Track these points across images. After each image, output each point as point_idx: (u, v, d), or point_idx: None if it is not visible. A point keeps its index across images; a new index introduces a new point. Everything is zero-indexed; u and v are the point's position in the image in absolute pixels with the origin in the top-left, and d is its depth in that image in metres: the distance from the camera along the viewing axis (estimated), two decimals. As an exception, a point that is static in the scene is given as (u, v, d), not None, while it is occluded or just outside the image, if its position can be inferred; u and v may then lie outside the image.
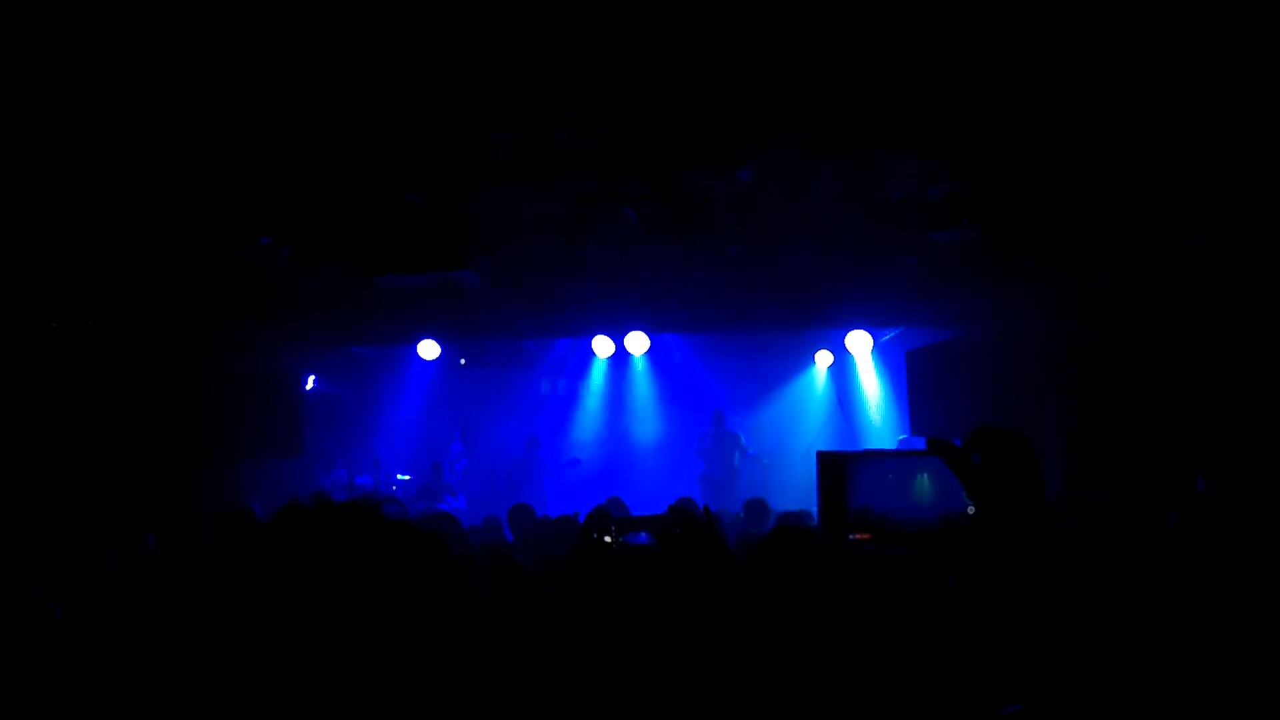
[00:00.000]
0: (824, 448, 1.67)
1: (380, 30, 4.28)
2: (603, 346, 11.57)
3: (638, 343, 10.94)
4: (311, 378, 11.90)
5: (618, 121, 5.37)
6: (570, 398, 13.68)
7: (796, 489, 11.86)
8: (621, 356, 12.52)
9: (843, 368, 12.62)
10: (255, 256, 7.23)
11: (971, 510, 1.33)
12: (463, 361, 13.10)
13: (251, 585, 1.16)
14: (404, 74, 4.71)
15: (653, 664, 2.03)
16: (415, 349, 11.24)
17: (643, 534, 2.45)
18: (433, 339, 11.05)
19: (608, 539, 2.39)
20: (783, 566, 2.28)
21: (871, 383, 12.49)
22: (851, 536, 1.40)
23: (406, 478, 12.55)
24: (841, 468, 1.42)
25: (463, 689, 1.18)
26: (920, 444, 1.39)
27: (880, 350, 12.10)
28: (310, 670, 1.11)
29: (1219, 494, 5.66)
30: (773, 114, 5.27)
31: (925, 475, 1.40)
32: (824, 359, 12.52)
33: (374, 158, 5.77)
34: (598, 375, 13.51)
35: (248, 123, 5.16)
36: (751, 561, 2.38)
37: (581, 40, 4.40)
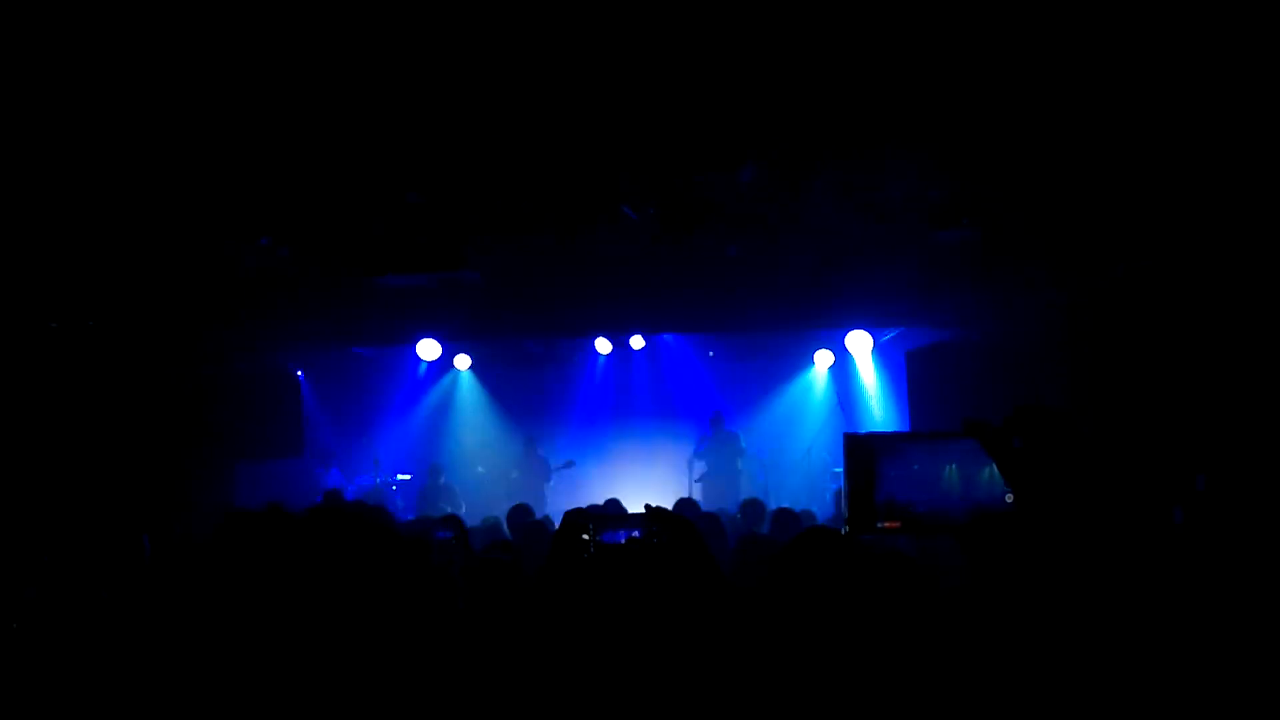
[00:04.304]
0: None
1: (381, 30, 4.27)
2: (602, 347, 11.54)
3: (636, 342, 10.90)
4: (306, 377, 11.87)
5: (617, 123, 5.36)
6: (570, 397, 13.65)
7: (797, 490, 11.86)
8: (621, 356, 12.50)
9: (843, 367, 12.60)
10: (255, 256, 7.22)
11: (1009, 499, 1.18)
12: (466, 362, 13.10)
13: (238, 583, 1.15)
14: (404, 74, 4.70)
15: (633, 663, 2.02)
16: (415, 349, 11.22)
17: (620, 533, 2.42)
18: (433, 339, 11.03)
19: (585, 536, 2.37)
20: (811, 573, 2.24)
21: (871, 382, 12.46)
22: (880, 524, 1.28)
23: (407, 477, 12.53)
24: (870, 451, 1.29)
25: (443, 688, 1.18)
26: None
27: (880, 350, 12.07)
28: (288, 661, 1.11)
29: (1219, 492, 5.65)
30: (771, 116, 5.26)
31: (955, 463, 1.28)
32: (824, 359, 12.50)
33: (374, 157, 5.76)
34: (597, 375, 13.47)
35: (247, 122, 5.16)
36: (776, 567, 2.33)
37: (581, 40, 4.40)
